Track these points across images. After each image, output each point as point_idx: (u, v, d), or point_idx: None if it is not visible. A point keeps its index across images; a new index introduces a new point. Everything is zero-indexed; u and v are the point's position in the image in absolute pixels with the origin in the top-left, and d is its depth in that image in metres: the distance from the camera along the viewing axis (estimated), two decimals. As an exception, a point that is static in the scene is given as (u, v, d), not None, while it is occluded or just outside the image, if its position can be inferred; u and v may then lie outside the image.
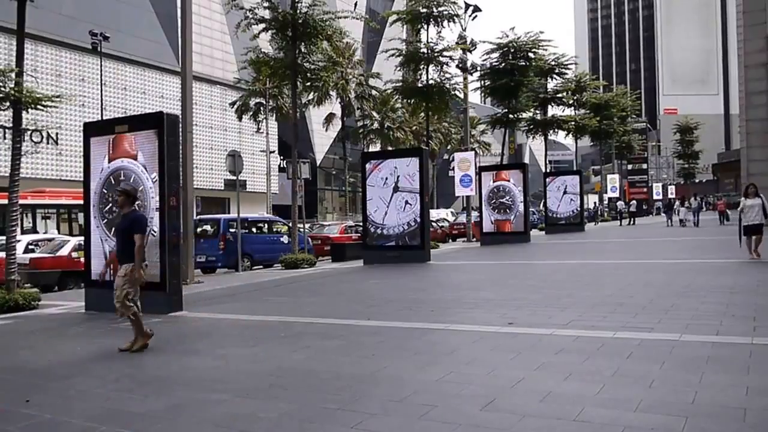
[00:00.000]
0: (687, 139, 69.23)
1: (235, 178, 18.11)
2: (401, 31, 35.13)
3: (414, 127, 48.26)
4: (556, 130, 41.22)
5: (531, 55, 32.70)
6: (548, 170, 41.85)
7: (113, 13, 41.34)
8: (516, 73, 31.54)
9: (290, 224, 18.71)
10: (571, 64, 38.34)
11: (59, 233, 20.37)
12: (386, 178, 16.68)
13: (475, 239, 25.73)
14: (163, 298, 8.89)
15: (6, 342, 7.71)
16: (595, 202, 53.00)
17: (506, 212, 23.66)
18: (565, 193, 30.08)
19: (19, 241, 14.67)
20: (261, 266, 18.68)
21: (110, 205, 9.54)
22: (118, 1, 42.15)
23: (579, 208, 30.34)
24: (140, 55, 42.17)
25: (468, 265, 16.38)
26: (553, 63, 36.36)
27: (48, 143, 35.37)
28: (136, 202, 6.86)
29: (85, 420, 4.16)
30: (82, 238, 10.56)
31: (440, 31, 26.32)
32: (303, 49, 17.88)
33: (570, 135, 44.14)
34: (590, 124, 42.28)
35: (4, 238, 15.58)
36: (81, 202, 20.90)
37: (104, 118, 30.88)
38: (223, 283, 13.64)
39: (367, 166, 17.26)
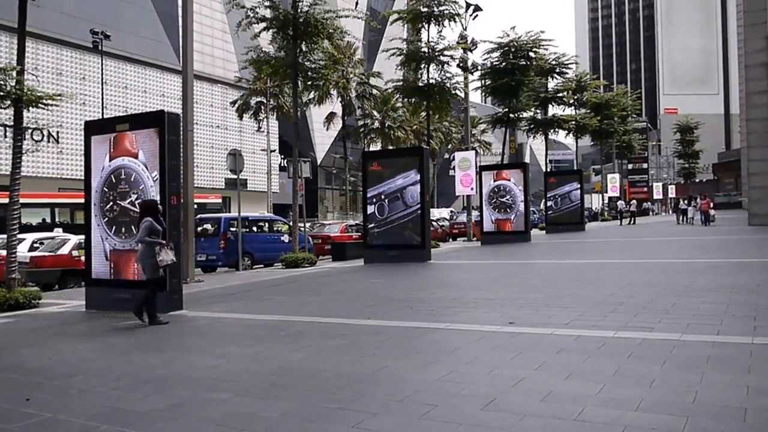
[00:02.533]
0: (687, 138, 69.21)
1: (235, 177, 18.13)
2: (402, 30, 35.11)
3: (415, 127, 48.25)
4: (556, 129, 41.17)
5: (532, 54, 32.68)
6: (549, 170, 41.85)
7: (114, 11, 41.36)
8: (517, 72, 31.51)
9: (291, 223, 18.72)
10: (572, 63, 38.30)
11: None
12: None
13: (475, 239, 25.72)
14: (164, 297, 8.89)
15: (6, 340, 7.71)
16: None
17: (507, 212, 23.66)
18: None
19: (22, 240, 14.73)
20: (261, 265, 18.68)
21: (111, 203, 9.54)
22: (119, -1, 42.18)
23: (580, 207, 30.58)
24: (141, 54, 42.17)
25: (468, 264, 16.38)
26: (553, 62, 36.32)
27: (49, 142, 35.39)
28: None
29: (85, 419, 4.16)
30: (83, 236, 10.57)
31: (441, 31, 26.36)
32: (304, 48, 17.88)
33: (570, 134, 44.11)
34: (591, 124, 42.26)
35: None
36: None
37: (105, 116, 30.91)
38: (224, 282, 13.65)
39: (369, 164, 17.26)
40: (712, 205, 30.63)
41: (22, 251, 13.74)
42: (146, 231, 8.00)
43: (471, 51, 27.18)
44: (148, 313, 8.00)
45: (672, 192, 66.04)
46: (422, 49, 26.20)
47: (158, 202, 8.56)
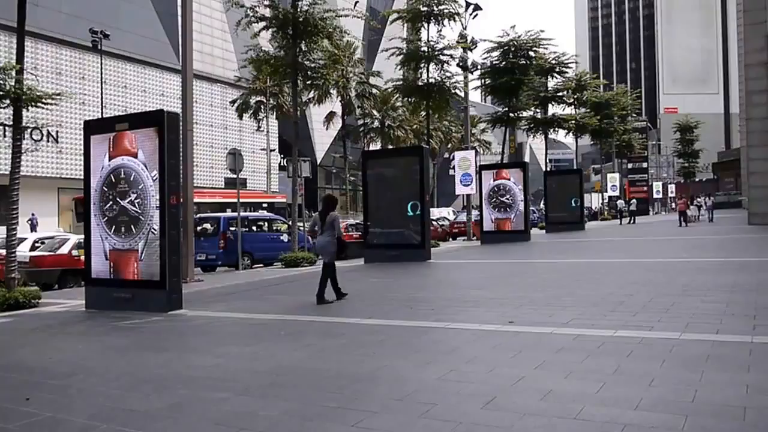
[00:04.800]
0: (687, 138, 69.13)
1: (235, 176, 18.13)
2: (402, 29, 35.11)
3: (414, 126, 48.29)
4: (556, 128, 41.18)
5: (531, 53, 32.70)
6: (549, 169, 41.82)
7: (114, 11, 41.36)
8: (516, 71, 31.51)
9: (290, 222, 18.72)
10: (572, 62, 38.30)
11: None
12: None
13: (475, 238, 25.72)
14: (163, 296, 8.89)
15: (6, 340, 7.71)
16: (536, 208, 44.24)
17: (506, 211, 23.65)
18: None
19: (24, 239, 14.73)
20: (261, 264, 18.67)
21: (110, 203, 9.53)
22: (119, -1, 42.17)
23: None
24: (140, 53, 42.17)
25: (468, 263, 16.38)
26: (553, 62, 36.32)
27: (48, 141, 35.38)
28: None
29: (85, 418, 4.16)
30: (83, 236, 10.56)
31: (441, 30, 26.31)
32: (303, 48, 17.88)
33: (570, 134, 44.10)
34: (591, 123, 42.24)
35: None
36: (230, 200, 22.65)
37: (104, 116, 30.90)
38: (223, 282, 13.65)
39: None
40: (689, 204, 31.43)
41: (22, 251, 13.74)
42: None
43: (471, 50, 27.19)
44: (334, 289, 9.35)
45: (672, 191, 65.91)
46: (422, 49, 26.19)
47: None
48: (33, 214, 32.55)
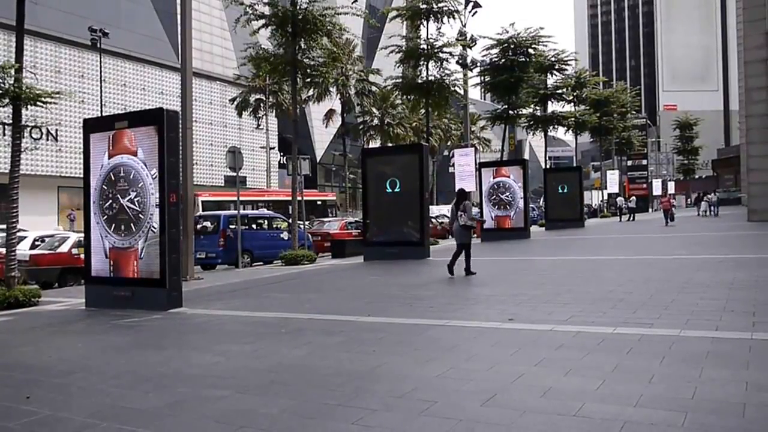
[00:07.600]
0: (687, 135, 69.08)
1: (235, 174, 18.13)
2: (401, 27, 35.08)
3: (414, 124, 48.22)
4: (556, 126, 41.14)
5: (531, 51, 32.68)
6: (548, 166, 41.82)
7: (113, 9, 41.29)
8: (516, 69, 31.50)
9: (290, 220, 18.72)
10: (571, 60, 38.24)
11: None
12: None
13: (475, 235, 25.68)
14: (163, 294, 8.89)
15: (6, 339, 7.72)
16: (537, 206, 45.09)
17: (506, 208, 23.65)
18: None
19: (24, 237, 14.73)
20: (261, 263, 18.68)
21: (110, 201, 9.52)
22: (118, -3, 42.09)
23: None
24: (140, 52, 42.11)
25: (468, 261, 16.35)
26: (553, 59, 36.28)
27: (48, 140, 35.35)
28: None
29: (85, 416, 4.16)
30: (83, 234, 10.56)
31: (440, 27, 26.30)
32: (303, 45, 17.86)
33: (570, 131, 44.07)
34: (590, 121, 42.16)
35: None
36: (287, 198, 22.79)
37: (104, 114, 30.88)
38: (223, 280, 13.65)
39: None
40: (673, 203, 31.77)
41: (22, 249, 13.74)
42: (469, 208, 11.35)
43: (470, 48, 27.15)
44: (466, 268, 11.29)
45: (671, 189, 65.91)
46: (421, 46, 26.17)
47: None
48: (71, 211, 33.02)
